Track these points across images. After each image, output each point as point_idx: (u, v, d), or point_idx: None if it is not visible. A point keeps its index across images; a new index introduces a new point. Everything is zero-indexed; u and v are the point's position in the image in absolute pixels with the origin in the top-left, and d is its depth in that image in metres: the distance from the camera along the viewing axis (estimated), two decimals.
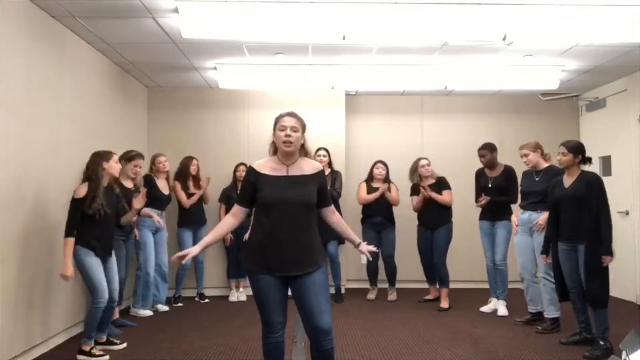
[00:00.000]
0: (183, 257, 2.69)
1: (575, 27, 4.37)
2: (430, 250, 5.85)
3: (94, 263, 3.95)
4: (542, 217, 4.60)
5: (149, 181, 5.48)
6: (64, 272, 3.83)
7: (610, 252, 3.95)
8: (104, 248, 4.05)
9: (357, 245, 2.99)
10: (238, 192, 6.06)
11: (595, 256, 3.93)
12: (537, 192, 4.72)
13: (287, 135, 2.71)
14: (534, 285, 4.89)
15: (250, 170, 2.80)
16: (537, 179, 4.79)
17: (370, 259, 3.15)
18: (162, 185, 5.63)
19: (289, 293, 2.78)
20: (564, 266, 4.18)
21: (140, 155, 5.09)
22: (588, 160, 4.20)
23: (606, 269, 3.97)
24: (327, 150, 6.11)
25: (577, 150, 4.14)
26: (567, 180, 4.19)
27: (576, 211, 4.06)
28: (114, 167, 4.11)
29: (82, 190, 3.90)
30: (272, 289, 2.70)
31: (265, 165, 2.79)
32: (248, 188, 2.78)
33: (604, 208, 3.99)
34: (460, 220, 5.98)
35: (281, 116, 2.79)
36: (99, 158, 4.04)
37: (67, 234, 3.86)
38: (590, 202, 3.99)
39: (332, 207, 2.91)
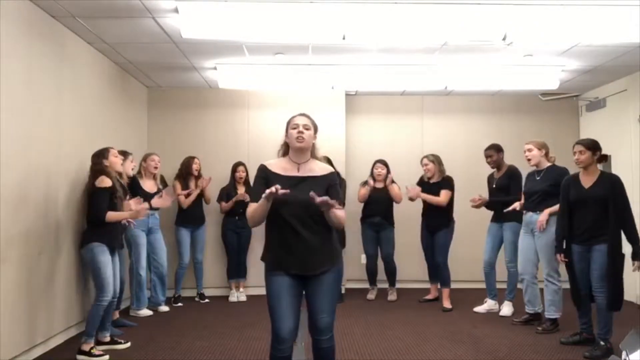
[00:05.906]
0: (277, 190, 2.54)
1: (575, 27, 4.37)
2: (432, 251, 5.87)
3: (107, 261, 4.05)
4: (542, 216, 4.60)
5: (132, 182, 5.19)
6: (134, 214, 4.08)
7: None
8: (115, 242, 4.18)
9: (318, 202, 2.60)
10: (237, 191, 6.17)
11: (618, 257, 3.93)
12: (537, 192, 4.71)
13: (300, 132, 2.76)
14: (533, 286, 4.89)
15: (262, 168, 2.82)
16: (537, 178, 4.78)
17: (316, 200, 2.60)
18: (149, 185, 5.44)
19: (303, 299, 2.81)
20: (576, 267, 4.14)
21: (125, 153, 4.87)
22: (604, 158, 4.16)
23: (622, 271, 3.95)
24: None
25: (594, 147, 4.10)
26: (586, 180, 4.12)
27: (599, 212, 4.00)
28: (114, 161, 4.22)
29: (107, 181, 4.01)
30: (286, 288, 2.71)
31: (277, 165, 2.83)
32: (261, 185, 2.75)
33: (629, 210, 3.98)
34: (461, 221, 5.98)
35: (293, 117, 2.85)
36: (99, 157, 4.16)
37: (102, 217, 3.99)
38: (614, 204, 3.96)
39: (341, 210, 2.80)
